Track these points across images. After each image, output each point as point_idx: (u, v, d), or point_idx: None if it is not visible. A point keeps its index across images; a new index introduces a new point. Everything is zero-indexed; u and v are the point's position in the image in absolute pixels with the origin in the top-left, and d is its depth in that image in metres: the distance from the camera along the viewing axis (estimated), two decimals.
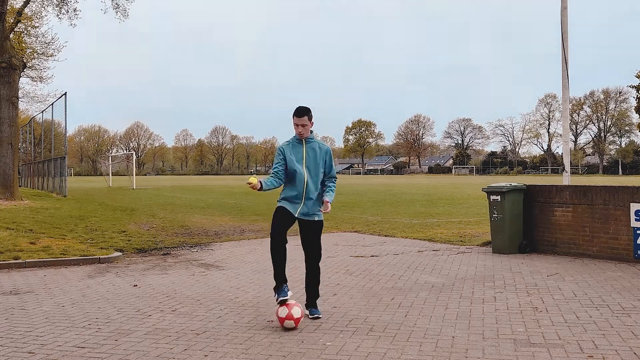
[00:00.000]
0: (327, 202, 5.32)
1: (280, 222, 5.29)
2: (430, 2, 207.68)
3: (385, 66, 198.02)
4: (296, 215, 5.31)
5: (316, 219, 5.40)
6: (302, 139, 5.39)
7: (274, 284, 6.92)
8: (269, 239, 5.30)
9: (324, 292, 6.27)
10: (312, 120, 5.41)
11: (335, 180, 5.52)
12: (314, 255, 5.46)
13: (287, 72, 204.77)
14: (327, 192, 5.42)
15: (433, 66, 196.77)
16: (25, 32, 26.96)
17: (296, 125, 5.34)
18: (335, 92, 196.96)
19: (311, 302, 5.50)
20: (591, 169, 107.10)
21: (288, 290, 5.29)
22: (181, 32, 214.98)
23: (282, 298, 5.16)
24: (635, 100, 61.74)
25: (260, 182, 5.11)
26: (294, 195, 5.32)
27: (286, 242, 5.30)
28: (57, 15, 24.29)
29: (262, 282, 7.09)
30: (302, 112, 5.33)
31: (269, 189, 5.22)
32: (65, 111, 25.41)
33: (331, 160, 5.49)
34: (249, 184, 4.99)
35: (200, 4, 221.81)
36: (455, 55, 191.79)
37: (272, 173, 5.33)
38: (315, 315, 5.37)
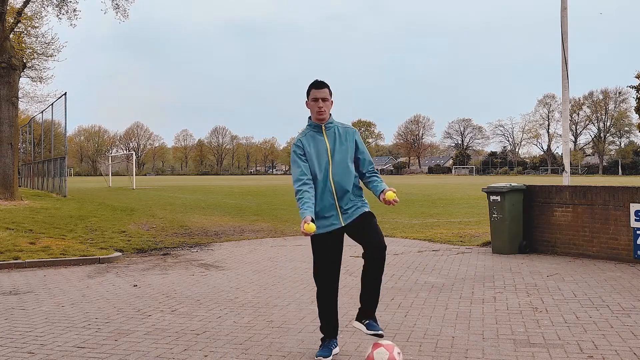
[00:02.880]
0: (386, 190, 3.92)
1: (324, 259, 4.06)
2: (432, 3, 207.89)
3: (385, 66, 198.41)
4: (343, 225, 4.03)
5: (365, 210, 4.08)
6: (321, 124, 4.04)
7: (273, 284, 6.99)
8: (315, 283, 4.19)
9: None
10: (332, 99, 4.08)
11: (377, 172, 4.16)
12: (377, 240, 3.91)
13: (287, 72, 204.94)
14: (376, 184, 4.06)
15: (433, 66, 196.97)
16: (25, 32, 26.93)
17: (315, 100, 3.96)
18: (336, 92, 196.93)
19: (367, 313, 4.06)
20: (591, 169, 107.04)
21: (336, 347, 4.16)
22: (182, 31, 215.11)
23: (320, 357, 4.04)
24: (635, 100, 61.64)
25: (312, 218, 3.79)
26: (325, 207, 4.00)
27: (337, 282, 4.15)
28: (57, 15, 24.33)
29: (262, 282, 7.09)
30: (323, 84, 4.02)
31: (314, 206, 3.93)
32: (65, 111, 25.43)
33: (361, 143, 4.14)
34: (308, 232, 3.74)
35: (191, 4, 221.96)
36: (456, 55, 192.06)
37: (302, 182, 3.94)
38: (374, 332, 3.99)
